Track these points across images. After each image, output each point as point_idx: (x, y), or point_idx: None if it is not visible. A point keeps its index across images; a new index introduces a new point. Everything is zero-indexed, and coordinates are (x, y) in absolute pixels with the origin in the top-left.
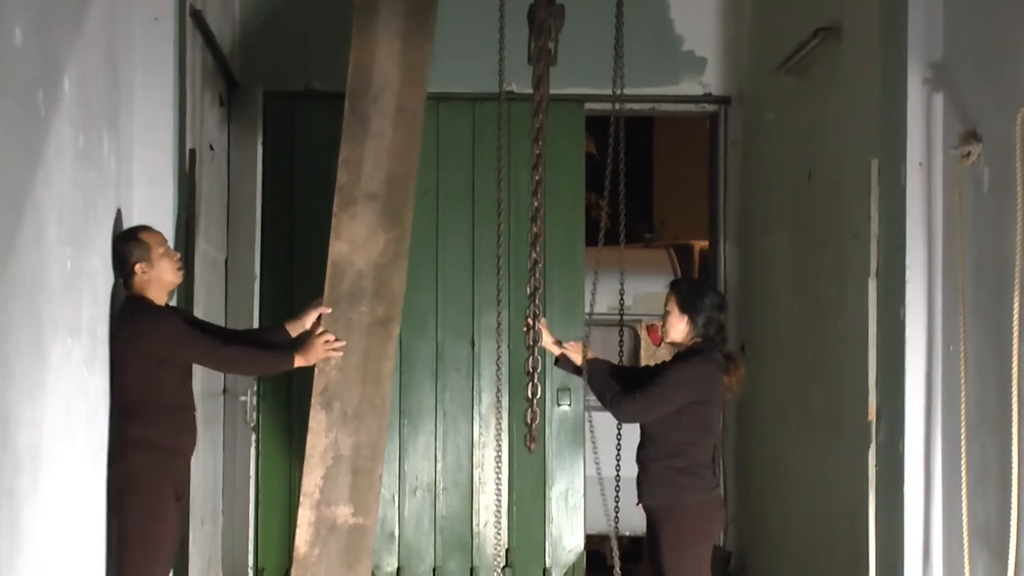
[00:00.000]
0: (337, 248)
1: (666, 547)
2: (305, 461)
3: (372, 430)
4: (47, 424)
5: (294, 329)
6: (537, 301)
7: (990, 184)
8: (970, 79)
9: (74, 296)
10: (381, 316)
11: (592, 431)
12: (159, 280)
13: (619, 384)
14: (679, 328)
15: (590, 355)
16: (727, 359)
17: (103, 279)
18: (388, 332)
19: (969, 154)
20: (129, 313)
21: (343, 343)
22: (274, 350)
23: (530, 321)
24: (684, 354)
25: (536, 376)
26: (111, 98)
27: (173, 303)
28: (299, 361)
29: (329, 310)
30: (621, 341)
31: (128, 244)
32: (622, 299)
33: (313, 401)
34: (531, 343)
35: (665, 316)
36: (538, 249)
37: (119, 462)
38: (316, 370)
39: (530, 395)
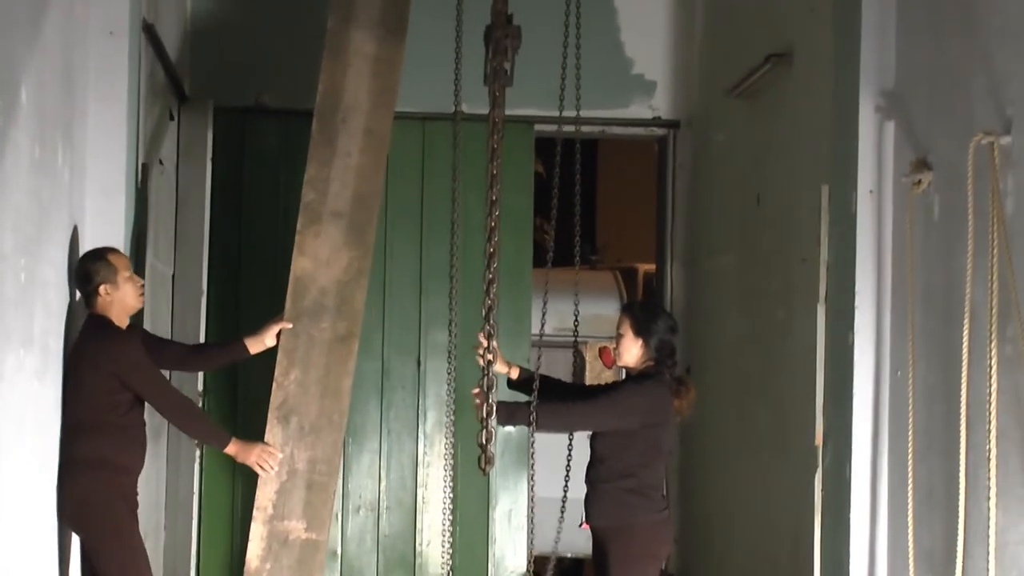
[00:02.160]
0: (300, 264)
1: (614, 568)
2: (260, 474)
3: (328, 445)
4: None
5: (253, 345)
6: (492, 320)
7: (940, 212)
8: (922, 108)
9: (27, 307)
10: (342, 333)
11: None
12: (121, 303)
13: (564, 397)
14: (632, 351)
15: (515, 372)
16: (678, 382)
17: (55, 290)
18: (348, 348)
19: (920, 182)
20: (96, 332)
21: (276, 465)
22: (216, 426)
23: (484, 340)
24: (637, 377)
25: (490, 396)
26: (66, 110)
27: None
28: (231, 449)
29: (290, 325)
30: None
31: (95, 264)
32: (565, 319)
33: (270, 415)
34: (485, 363)
35: (618, 339)
36: (494, 268)
37: (71, 482)
38: (275, 384)
39: (484, 415)
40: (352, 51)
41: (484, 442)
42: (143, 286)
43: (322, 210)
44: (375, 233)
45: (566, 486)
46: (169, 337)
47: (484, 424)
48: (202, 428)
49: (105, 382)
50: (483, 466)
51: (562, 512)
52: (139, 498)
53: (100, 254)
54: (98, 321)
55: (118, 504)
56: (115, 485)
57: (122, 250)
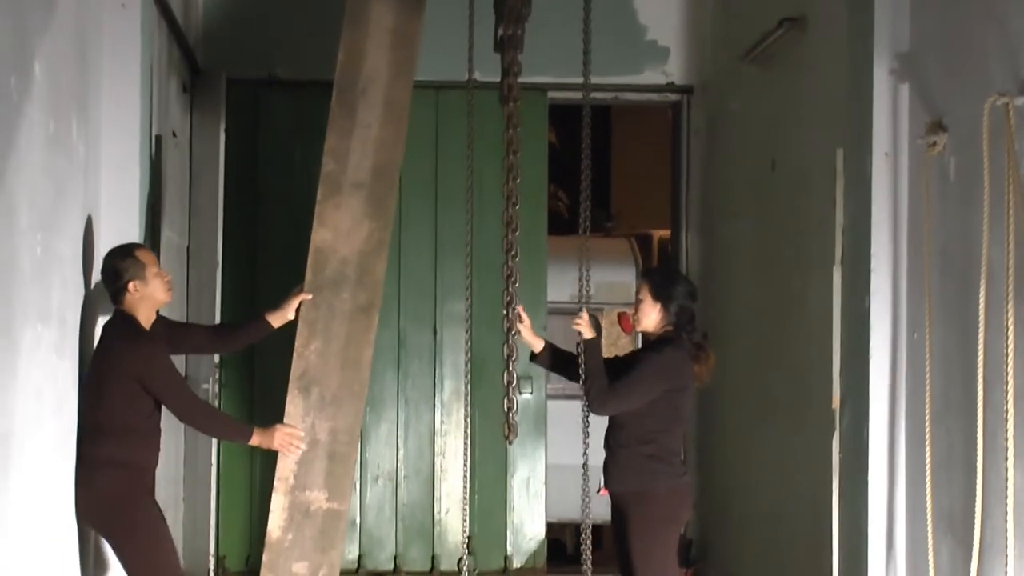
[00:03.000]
0: (321, 235)
1: (634, 533)
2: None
3: (349, 416)
4: (18, 411)
5: (275, 319)
6: (512, 288)
7: (956, 174)
8: (936, 69)
9: (44, 282)
10: (363, 303)
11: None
12: (151, 298)
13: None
14: (651, 316)
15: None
16: (698, 348)
17: (71, 265)
18: (369, 319)
19: (935, 144)
20: (122, 333)
21: (304, 446)
22: (235, 423)
23: (520, 314)
24: (655, 343)
25: (512, 364)
26: (80, 84)
27: None
28: (255, 440)
29: (310, 297)
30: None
31: (125, 260)
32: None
33: (291, 386)
34: (507, 329)
35: (637, 304)
36: (513, 234)
37: (93, 483)
38: (295, 354)
39: (506, 382)
40: (371, 23)
41: (507, 409)
42: (170, 280)
43: (342, 181)
44: (395, 204)
45: (585, 453)
46: (185, 310)
47: (507, 391)
48: (223, 428)
49: (128, 385)
50: (507, 435)
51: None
52: (157, 470)
53: (128, 251)
54: (125, 320)
55: (144, 500)
56: (139, 483)
57: (137, 223)
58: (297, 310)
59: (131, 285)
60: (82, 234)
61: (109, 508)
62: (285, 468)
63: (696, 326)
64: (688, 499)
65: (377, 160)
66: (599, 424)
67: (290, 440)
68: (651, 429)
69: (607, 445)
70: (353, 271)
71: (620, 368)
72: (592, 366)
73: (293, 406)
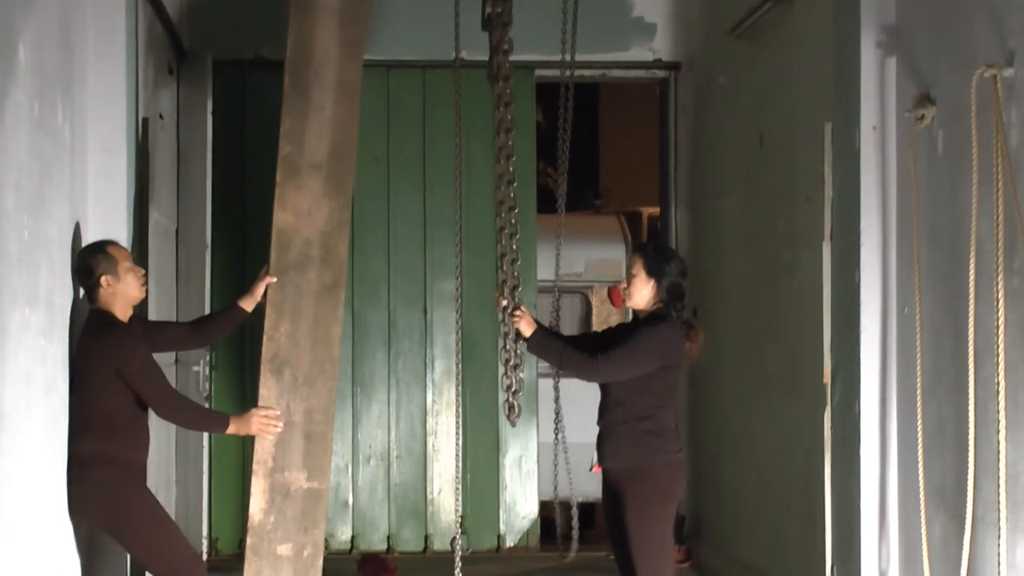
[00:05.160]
0: (282, 218)
1: (632, 510)
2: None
3: (323, 395)
4: (7, 394)
5: (248, 304)
6: (506, 267)
7: (944, 147)
8: (923, 42)
9: (32, 265)
10: (329, 282)
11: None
12: (124, 294)
13: (582, 349)
14: (643, 292)
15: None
16: (688, 326)
17: (59, 248)
18: (336, 297)
19: (923, 117)
20: (97, 330)
21: (280, 425)
22: (212, 415)
23: (503, 300)
24: (649, 318)
25: (507, 342)
26: (64, 66)
27: None
28: (232, 428)
29: (276, 279)
30: (558, 309)
31: (95, 256)
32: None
33: (263, 368)
34: (501, 309)
35: (629, 279)
36: (505, 213)
37: (82, 480)
38: (265, 337)
39: (504, 362)
40: (319, 5)
41: (507, 390)
42: (145, 275)
43: (300, 163)
44: (353, 182)
45: (556, 428)
46: (174, 293)
47: (507, 373)
48: (201, 421)
49: (111, 381)
50: (508, 415)
51: (555, 458)
52: (150, 456)
53: (100, 247)
54: (101, 317)
55: (136, 489)
56: (129, 475)
57: (124, 206)
58: (265, 293)
59: (103, 279)
60: (69, 217)
61: (103, 502)
62: (263, 451)
63: (685, 304)
64: (684, 475)
65: (333, 140)
66: (583, 402)
67: (267, 423)
68: (649, 406)
69: (602, 422)
70: (317, 251)
71: (612, 338)
72: (553, 356)
73: (267, 389)
